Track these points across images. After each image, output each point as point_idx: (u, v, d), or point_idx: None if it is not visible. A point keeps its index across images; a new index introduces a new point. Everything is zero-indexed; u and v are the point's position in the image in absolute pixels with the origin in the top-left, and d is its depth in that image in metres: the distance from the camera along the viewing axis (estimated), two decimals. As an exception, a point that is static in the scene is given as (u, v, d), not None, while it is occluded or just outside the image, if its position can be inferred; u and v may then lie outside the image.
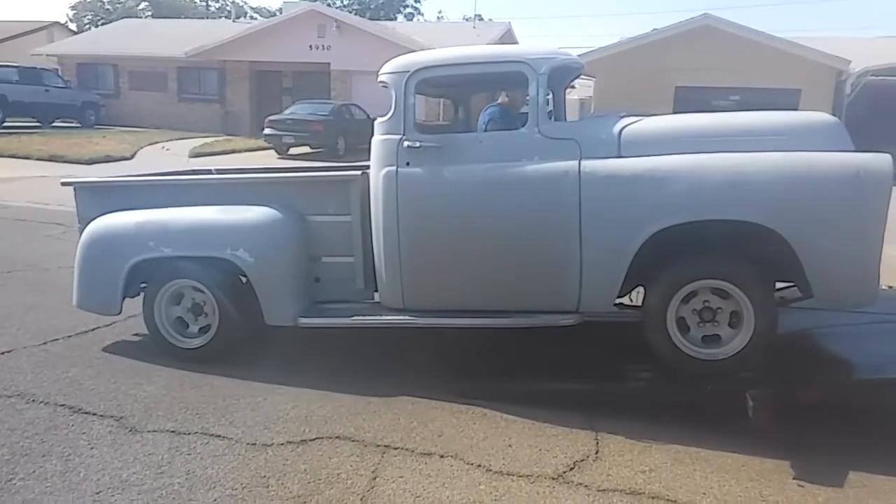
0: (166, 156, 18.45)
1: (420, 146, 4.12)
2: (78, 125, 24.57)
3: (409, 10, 53.95)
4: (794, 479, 3.33)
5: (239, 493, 3.07)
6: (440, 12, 68.11)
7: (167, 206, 4.50)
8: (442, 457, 3.45)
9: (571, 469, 3.38)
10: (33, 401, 3.93)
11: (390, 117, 4.22)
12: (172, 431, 3.61)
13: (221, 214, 4.38)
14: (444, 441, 3.60)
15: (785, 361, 4.01)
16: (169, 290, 4.49)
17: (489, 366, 4.62)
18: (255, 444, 3.52)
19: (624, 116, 4.15)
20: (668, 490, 3.21)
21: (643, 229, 3.76)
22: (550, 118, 4.15)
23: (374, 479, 3.23)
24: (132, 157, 17.80)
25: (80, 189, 4.86)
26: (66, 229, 9.09)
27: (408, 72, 4.21)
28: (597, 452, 3.54)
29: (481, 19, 30.33)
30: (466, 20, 32.03)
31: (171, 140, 21.76)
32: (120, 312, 4.67)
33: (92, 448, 3.42)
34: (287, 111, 20.55)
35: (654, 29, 21.06)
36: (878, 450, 3.54)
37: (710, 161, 3.74)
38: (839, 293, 3.75)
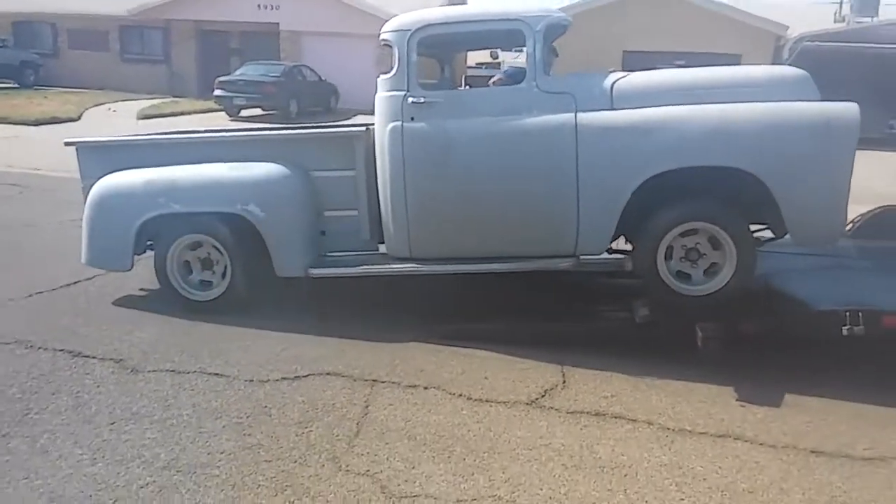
0: (114, 117, 18.07)
1: (424, 101, 4.33)
2: (16, 85, 23.68)
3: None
4: (737, 400, 3.78)
5: (244, 421, 3.36)
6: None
7: (173, 164, 4.62)
8: (426, 388, 3.78)
9: (543, 396, 3.75)
10: (31, 346, 4.10)
11: (394, 74, 4.40)
12: (172, 371, 3.86)
13: (231, 171, 4.53)
14: (426, 375, 3.93)
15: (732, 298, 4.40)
16: (181, 245, 4.64)
17: (464, 310, 4.93)
18: (253, 380, 3.79)
19: (612, 72, 4.42)
20: (629, 411, 3.62)
21: (637, 176, 4.06)
22: (547, 73, 4.35)
23: (367, 406, 3.55)
24: (79, 118, 17.38)
25: (83, 149, 4.94)
26: (23, 189, 9.06)
27: (410, 30, 4.38)
28: (564, 382, 3.93)
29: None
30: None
31: (117, 101, 21.19)
32: (131, 268, 4.81)
33: (98, 386, 3.64)
34: (237, 72, 20.26)
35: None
36: (809, 374, 4.02)
37: (696, 112, 4.04)
38: (811, 231, 4.12)
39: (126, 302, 4.92)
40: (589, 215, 4.20)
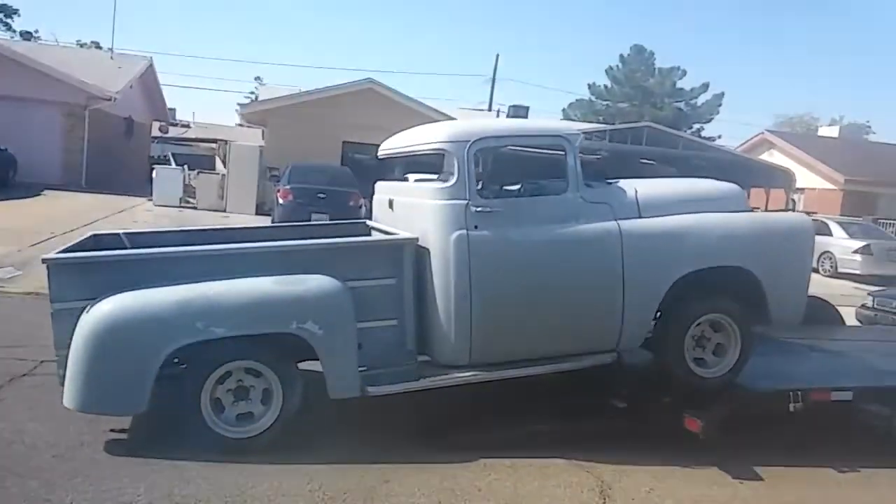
0: None
1: (490, 211, 4.38)
2: None
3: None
4: (735, 478, 4.43)
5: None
6: (54, 35, 56.40)
7: (188, 281, 3.87)
8: (507, 507, 3.75)
9: (605, 499, 3.98)
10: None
11: (454, 183, 4.38)
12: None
13: (280, 286, 3.94)
14: (489, 494, 3.91)
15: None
16: (217, 374, 3.87)
17: (454, 420, 4.85)
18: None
19: (612, 182, 4.91)
20: (680, 500, 4.05)
21: (672, 275, 4.61)
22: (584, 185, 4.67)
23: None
24: None
25: (59, 266, 3.90)
26: None
27: (469, 140, 4.43)
28: (603, 482, 4.20)
29: (111, 50, 27.56)
30: (105, 50, 28.78)
31: None
32: (146, 409, 3.82)
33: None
34: None
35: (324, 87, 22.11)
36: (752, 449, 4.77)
37: (709, 220, 4.77)
38: (784, 316, 5.01)
39: (72, 452, 3.87)
40: (632, 311, 4.64)
